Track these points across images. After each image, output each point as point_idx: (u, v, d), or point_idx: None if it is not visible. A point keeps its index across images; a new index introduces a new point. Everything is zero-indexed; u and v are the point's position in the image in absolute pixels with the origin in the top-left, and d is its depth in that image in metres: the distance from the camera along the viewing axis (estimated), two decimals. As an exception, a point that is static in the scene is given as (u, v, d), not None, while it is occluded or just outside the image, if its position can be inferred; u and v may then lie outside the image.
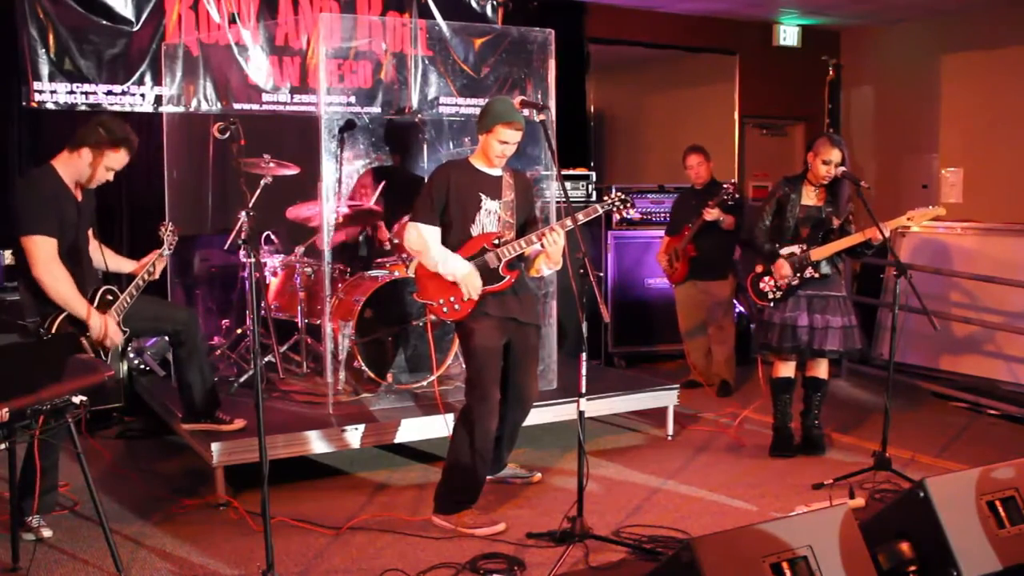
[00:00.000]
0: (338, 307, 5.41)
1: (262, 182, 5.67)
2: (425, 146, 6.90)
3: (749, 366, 6.93)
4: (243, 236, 4.79)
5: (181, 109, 6.49)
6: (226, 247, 5.94)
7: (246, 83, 6.68)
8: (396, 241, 5.87)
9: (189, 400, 4.67)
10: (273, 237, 6.21)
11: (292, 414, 5.09)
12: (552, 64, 5.44)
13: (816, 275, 5.06)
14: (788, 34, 9.43)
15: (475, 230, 4.25)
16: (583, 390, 3.96)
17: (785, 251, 5.11)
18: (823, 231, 5.11)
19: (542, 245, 4.17)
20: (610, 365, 7.54)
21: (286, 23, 6.81)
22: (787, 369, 5.30)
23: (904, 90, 9.40)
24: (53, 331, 3.94)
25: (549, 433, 5.46)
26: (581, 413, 3.98)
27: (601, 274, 7.62)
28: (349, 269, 5.85)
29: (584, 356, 3.97)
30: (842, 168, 4.98)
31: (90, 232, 4.27)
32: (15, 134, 6.17)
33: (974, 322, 6.83)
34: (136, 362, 6.12)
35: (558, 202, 5.49)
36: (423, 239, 4.22)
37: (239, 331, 6.07)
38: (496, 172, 4.31)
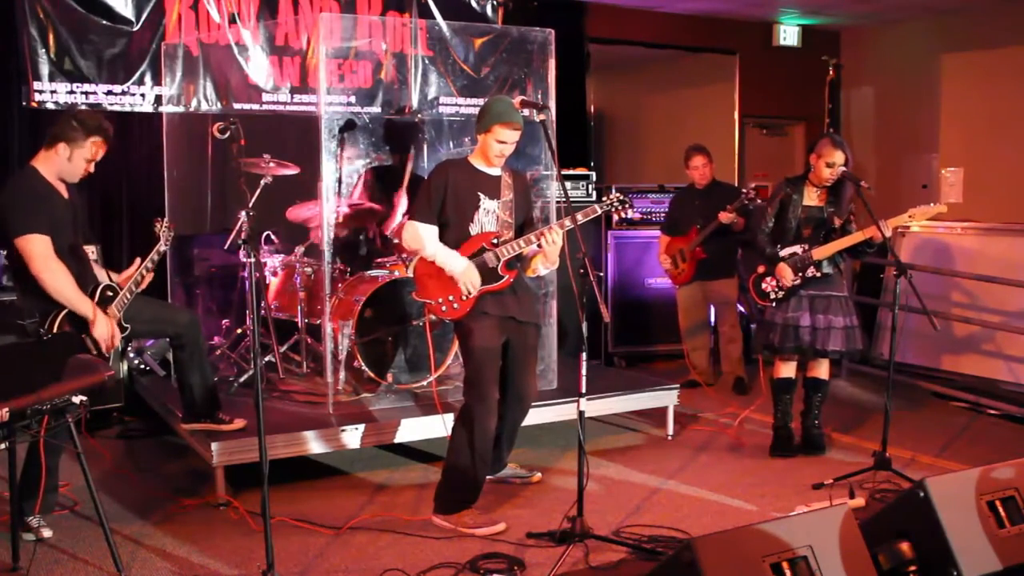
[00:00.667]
0: (338, 307, 5.41)
1: (262, 182, 5.68)
2: (425, 146, 6.90)
3: (751, 366, 6.95)
4: (243, 236, 4.78)
5: (181, 109, 6.49)
6: (226, 247, 5.93)
7: (246, 83, 6.67)
8: (396, 241, 5.87)
9: (189, 400, 4.66)
10: (273, 237, 6.21)
11: (292, 414, 5.09)
12: (552, 64, 5.43)
13: (818, 274, 5.07)
14: (788, 34, 9.43)
15: (474, 229, 4.25)
16: (583, 390, 3.96)
17: (787, 251, 5.11)
18: (825, 231, 5.11)
19: (540, 245, 4.17)
20: (610, 365, 7.55)
21: (286, 23, 6.81)
22: (788, 369, 5.30)
23: (904, 90, 9.39)
24: (53, 330, 3.93)
25: (549, 433, 5.46)
26: (581, 413, 3.98)
27: (601, 274, 7.62)
28: (349, 269, 5.85)
29: (584, 356, 3.96)
30: (843, 168, 4.98)
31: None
32: (15, 134, 6.16)
33: (974, 322, 6.83)
34: (136, 362, 6.12)
35: (558, 202, 5.48)
36: (420, 237, 4.22)
37: (239, 331, 6.07)
38: (495, 172, 4.31)
